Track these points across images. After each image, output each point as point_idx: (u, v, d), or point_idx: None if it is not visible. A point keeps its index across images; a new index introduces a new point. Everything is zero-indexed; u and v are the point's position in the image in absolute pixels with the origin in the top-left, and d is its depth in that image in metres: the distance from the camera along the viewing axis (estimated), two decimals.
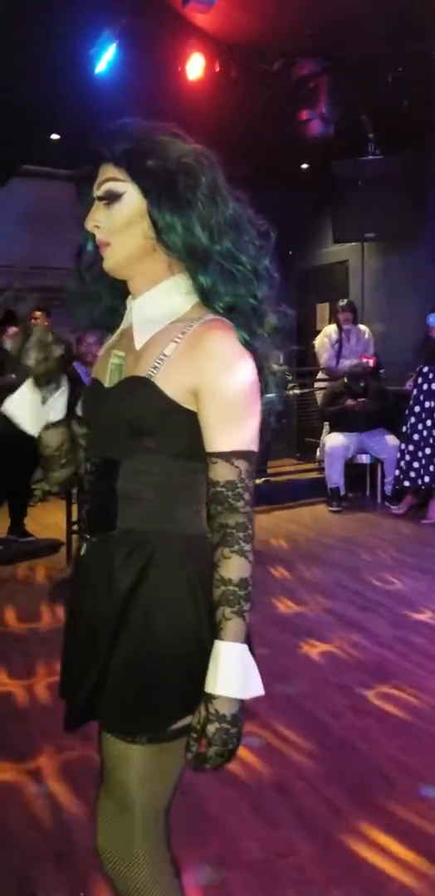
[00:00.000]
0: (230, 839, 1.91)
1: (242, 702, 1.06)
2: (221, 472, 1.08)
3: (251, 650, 1.10)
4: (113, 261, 1.13)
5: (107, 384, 1.16)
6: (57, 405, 1.19)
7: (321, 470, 5.99)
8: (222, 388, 1.07)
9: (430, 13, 3.83)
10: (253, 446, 1.10)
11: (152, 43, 4.37)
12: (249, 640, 1.09)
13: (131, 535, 1.12)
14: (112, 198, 1.10)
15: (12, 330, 4.60)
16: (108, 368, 1.17)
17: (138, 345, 1.14)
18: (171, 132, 1.13)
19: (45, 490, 5.85)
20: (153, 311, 1.14)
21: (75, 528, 4.31)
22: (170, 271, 1.14)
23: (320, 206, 6.00)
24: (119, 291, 1.20)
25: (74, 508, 4.28)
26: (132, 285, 1.16)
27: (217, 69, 4.51)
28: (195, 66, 4.49)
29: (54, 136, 5.85)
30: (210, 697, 1.05)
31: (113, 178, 1.10)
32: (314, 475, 6.16)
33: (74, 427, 1.23)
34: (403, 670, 2.86)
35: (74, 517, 4.28)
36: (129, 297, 1.18)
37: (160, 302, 1.14)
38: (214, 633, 1.07)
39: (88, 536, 1.17)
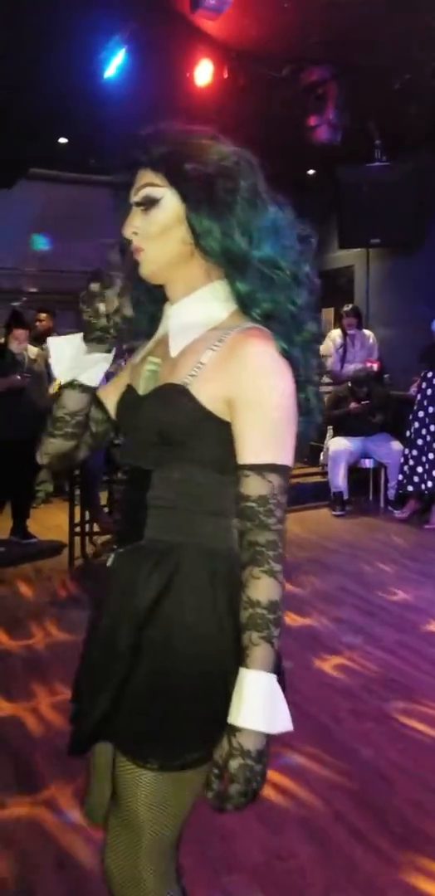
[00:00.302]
0: (232, 842, 1.92)
1: (268, 737, 0.98)
2: (253, 486, 1.03)
3: (281, 680, 1.03)
4: (149, 267, 1.11)
5: (141, 391, 1.13)
6: (96, 370, 1.15)
7: (325, 474, 6.00)
8: (258, 399, 1.03)
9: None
10: (287, 461, 1.04)
11: (161, 48, 4.39)
12: (278, 668, 1.02)
13: (158, 546, 1.08)
14: (149, 203, 1.09)
15: (19, 332, 4.64)
16: (143, 376, 1.13)
17: (174, 352, 1.11)
18: (210, 135, 1.11)
19: (48, 491, 5.88)
20: (190, 317, 1.12)
21: (77, 529, 4.35)
22: (208, 277, 1.11)
23: (326, 212, 6.01)
24: (158, 298, 1.18)
25: (77, 510, 4.31)
26: (169, 291, 1.14)
27: (225, 75, 4.54)
28: (204, 73, 4.51)
29: (62, 140, 5.87)
30: (233, 730, 0.98)
31: (151, 184, 1.08)
32: (318, 479, 6.17)
33: (92, 409, 1.21)
34: (413, 679, 2.87)
35: (77, 519, 4.30)
36: (167, 303, 1.16)
37: (197, 308, 1.12)
38: (240, 658, 1.01)
39: (116, 547, 1.14)
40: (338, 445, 5.73)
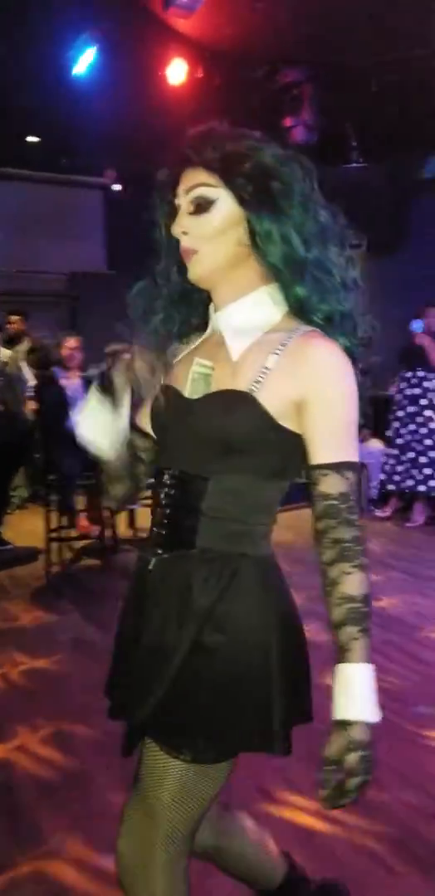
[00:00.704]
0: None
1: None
2: (334, 485, 1.03)
3: None
4: (200, 269, 1.07)
5: (189, 394, 1.09)
6: (124, 414, 1.12)
7: None
8: (331, 399, 1.04)
9: (412, 23, 3.84)
10: (357, 457, 1.07)
11: (133, 47, 4.35)
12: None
13: (211, 555, 1.07)
14: (205, 203, 1.05)
15: None
16: (190, 377, 1.09)
17: (235, 355, 1.07)
18: (262, 137, 1.08)
19: (23, 497, 5.78)
20: (244, 321, 1.09)
21: (54, 535, 4.27)
22: (260, 281, 1.08)
23: None
24: (193, 301, 1.15)
25: (53, 516, 4.23)
26: (217, 294, 1.10)
27: (200, 75, 4.50)
28: (177, 71, 4.47)
29: (32, 139, 5.79)
30: (346, 725, 0.98)
31: (204, 184, 1.05)
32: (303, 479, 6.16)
33: (136, 440, 1.18)
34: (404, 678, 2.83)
35: (53, 524, 4.23)
36: (211, 306, 1.13)
37: (252, 312, 1.09)
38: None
39: (160, 552, 1.10)
40: None
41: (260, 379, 1.03)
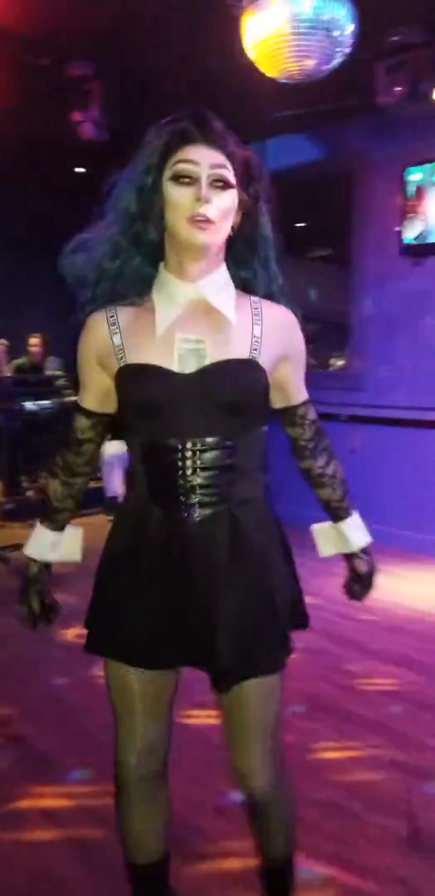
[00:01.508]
0: None
1: None
2: (312, 412, 1.47)
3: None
4: (211, 239, 1.25)
5: (178, 369, 1.25)
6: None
7: (99, 479, 5.87)
8: (302, 352, 1.42)
9: (205, 25, 3.87)
10: None
11: None
12: None
13: (247, 503, 1.33)
14: (226, 184, 1.25)
15: None
16: (176, 354, 1.25)
17: (233, 320, 1.30)
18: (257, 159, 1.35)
19: None
20: (221, 290, 1.31)
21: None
22: (222, 261, 1.33)
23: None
24: (149, 273, 1.32)
25: None
26: (201, 264, 1.28)
27: None
28: None
29: None
30: (361, 548, 1.53)
31: (226, 168, 1.25)
32: (92, 484, 6.01)
33: (81, 422, 1.43)
34: None
35: None
36: (178, 281, 1.28)
37: (224, 287, 1.32)
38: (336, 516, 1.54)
39: (200, 510, 1.29)
40: (112, 449, 5.64)
41: (256, 347, 1.30)
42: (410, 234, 4.98)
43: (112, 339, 1.29)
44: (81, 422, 1.39)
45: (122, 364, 1.28)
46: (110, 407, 1.38)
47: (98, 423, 1.40)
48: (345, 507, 1.51)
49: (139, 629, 1.32)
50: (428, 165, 4.84)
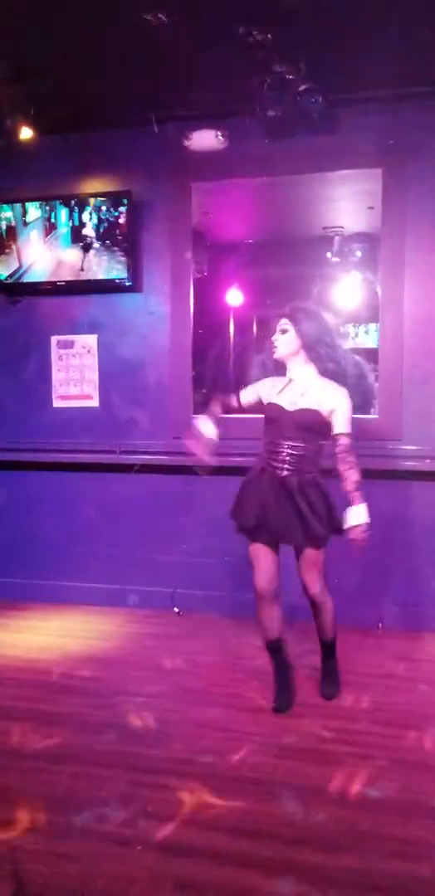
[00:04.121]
0: None
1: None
2: (347, 439, 3.07)
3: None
4: (278, 355, 3.21)
5: (288, 408, 3.13)
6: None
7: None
8: (344, 408, 3.10)
9: None
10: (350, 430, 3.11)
11: None
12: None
13: (309, 474, 3.12)
14: (284, 332, 3.16)
15: None
16: (287, 400, 3.14)
17: (305, 392, 3.13)
18: (313, 307, 3.39)
19: None
20: (303, 376, 3.15)
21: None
22: (304, 361, 3.16)
23: None
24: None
25: None
26: (290, 364, 3.19)
27: None
28: None
29: None
30: (365, 523, 3.04)
31: (286, 325, 3.14)
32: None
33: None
34: None
35: None
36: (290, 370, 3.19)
37: (307, 374, 3.15)
38: (348, 500, 3.07)
39: (287, 470, 3.10)
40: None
41: (318, 405, 3.08)
42: (3, 271, 4.88)
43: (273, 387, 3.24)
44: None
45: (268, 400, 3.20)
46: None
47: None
48: (356, 496, 3.04)
49: (254, 517, 3.12)
50: (17, 205, 4.82)
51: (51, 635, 4.35)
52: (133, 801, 2.52)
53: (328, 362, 3.12)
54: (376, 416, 4.51)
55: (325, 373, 3.13)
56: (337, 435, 3.06)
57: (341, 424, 3.05)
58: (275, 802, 2.52)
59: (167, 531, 4.78)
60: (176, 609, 4.73)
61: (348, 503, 3.04)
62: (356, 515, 3.02)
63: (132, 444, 4.85)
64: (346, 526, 3.04)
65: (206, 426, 3.22)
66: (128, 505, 4.88)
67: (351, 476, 3.02)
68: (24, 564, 5.04)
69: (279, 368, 3.23)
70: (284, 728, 3.09)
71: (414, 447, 4.36)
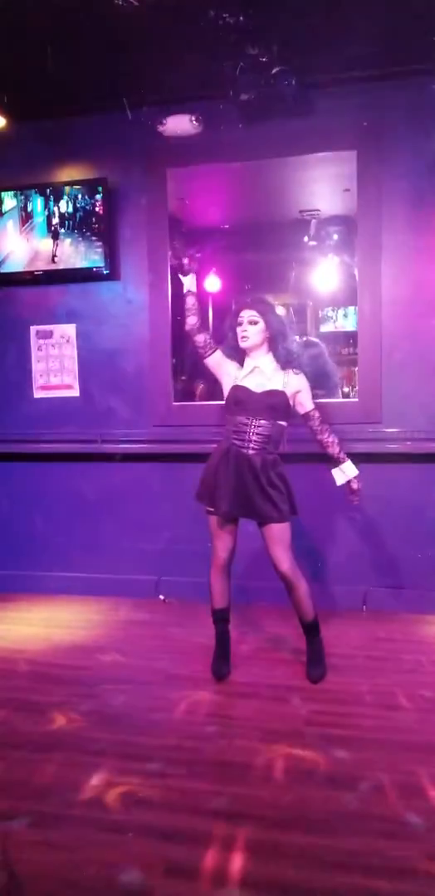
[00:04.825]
0: None
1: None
2: (318, 413, 3.38)
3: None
4: (247, 344, 3.36)
5: (255, 390, 3.31)
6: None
7: None
8: (307, 388, 3.38)
9: None
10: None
11: None
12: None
13: (271, 454, 3.30)
14: (254, 322, 3.33)
15: None
16: (254, 383, 3.32)
17: (272, 376, 3.33)
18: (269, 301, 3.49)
19: None
20: (267, 364, 3.35)
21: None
22: (267, 351, 3.38)
23: None
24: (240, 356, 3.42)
25: None
26: (254, 353, 3.37)
27: None
28: None
29: None
30: (354, 475, 3.37)
31: (254, 315, 3.33)
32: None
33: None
34: None
35: None
36: (251, 358, 3.38)
37: (269, 362, 3.36)
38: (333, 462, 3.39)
39: (253, 449, 3.27)
40: None
41: (284, 387, 3.31)
42: None
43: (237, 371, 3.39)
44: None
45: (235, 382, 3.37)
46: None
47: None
48: (340, 457, 3.36)
49: (220, 495, 3.26)
50: None
51: (36, 625, 4.35)
52: (122, 788, 2.54)
53: (288, 352, 3.34)
54: (356, 400, 4.54)
55: (284, 362, 3.34)
56: (309, 412, 3.35)
57: (309, 401, 3.35)
58: (262, 785, 2.55)
59: (151, 519, 4.79)
60: (161, 597, 4.74)
61: (337, 462, 3.36)
62: (349, 468, 3.35)
63: (113, 433, 4.84)
64: (340, 482, 3.38)
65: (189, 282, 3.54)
66: (111, 494, 4.88)
67: (333, 439, 3.34)
68: (7, 556, 5.02)
69: (238, 357, 3.39)
70: (270, 712, 3.12)
71: (394, 429, 4.39)
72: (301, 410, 3.35)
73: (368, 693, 3.29)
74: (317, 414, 3.35)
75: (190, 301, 3.47)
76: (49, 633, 4.19)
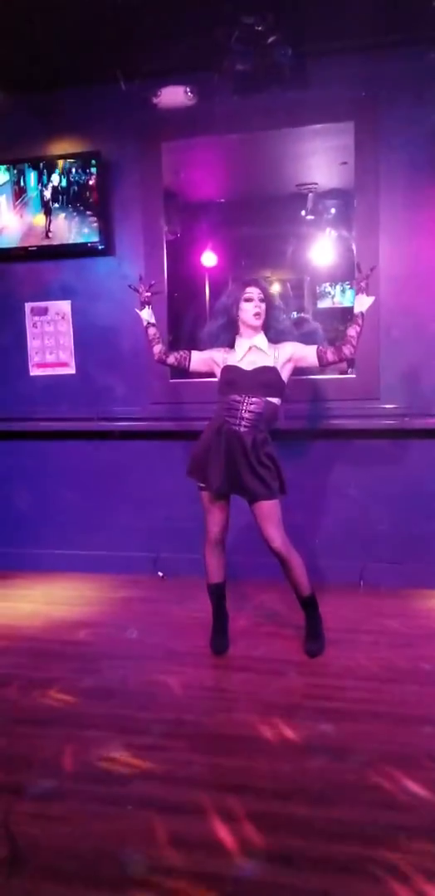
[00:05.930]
0: None
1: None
2: (324, 343, 3.46)
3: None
4: (260, 322, 3.39)
5: (247, 369, 3.33)
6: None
7: None
8: (298, 344, 3.41)
9: None
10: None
11: None
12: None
13: (263, 432, 3.30)
14: (262, 301, 3.38)
15: None
16: (247, 362, 3.35)
17: (269, 352, 3.38)
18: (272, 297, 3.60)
19: None
20: (262, 342, 3.39)
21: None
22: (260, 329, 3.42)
23: None
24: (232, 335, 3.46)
25: None
26: (252, 332, 3.41)
27: None
28: None
29: None
30: (362, 314, 3.40)
31: (263, 295, 3.40)
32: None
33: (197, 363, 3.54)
34: None
35: None
36: (245, 338, 3.43)
37: (264, 339, 3.40)
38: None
39: (245, 427, 3.26)
40: None
41: (276, 363, 3.34)
42: None
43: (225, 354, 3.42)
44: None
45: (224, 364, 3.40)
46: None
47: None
48: (352, 332, 3.38)
49: (212, 472, 3.28)
50: None
51: (35, 602, 4.36)
52: (122, 762, 2.56)
53: (279, 331, 3.42)
54: (354, 376, 4.52)
55: (275, 341, 3.41)
56: (317, 354, 3.34)
57: (307, 348, 3.37)
58: (261, 758, 2.57)
59: (148, 496, 4.79)
60: (160, 573, 4.76)
61: (354, 321, 3.39)
62: (364, 301, 3.40)
63: (110, 410, 4.82)
64: (359, 309, 3.38)
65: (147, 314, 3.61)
66: (108, 472, 4.87)
67: (346, 341, 3.36)
68: (5, 534, 5.03)
69: (227, 337, 3.45)
70: (269, 686, 3.14)
71: (392, 406, 4.38)
72: (310, 361, 3.37)
73: (365, 667, 3.31)
74: (322, 347, 3.35)
75: (151, 332, 3.55)
76: (48, 610, 4.20)
